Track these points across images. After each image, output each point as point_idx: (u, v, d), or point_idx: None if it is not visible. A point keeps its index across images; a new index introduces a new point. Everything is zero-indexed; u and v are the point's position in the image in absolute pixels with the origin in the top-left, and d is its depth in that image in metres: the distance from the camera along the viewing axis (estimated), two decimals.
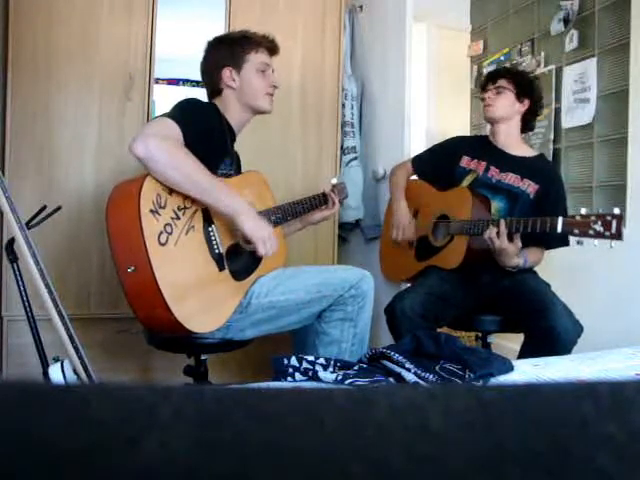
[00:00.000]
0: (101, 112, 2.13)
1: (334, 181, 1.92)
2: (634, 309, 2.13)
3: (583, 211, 1.51)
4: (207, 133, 1.51)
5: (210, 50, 1.68)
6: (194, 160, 1.38)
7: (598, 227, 1.46)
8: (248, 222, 1.44)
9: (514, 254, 1.71)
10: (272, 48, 1.70)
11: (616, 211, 1.45)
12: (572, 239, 1.68)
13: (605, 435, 0.20)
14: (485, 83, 1.98)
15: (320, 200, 1.86)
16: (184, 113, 1.47)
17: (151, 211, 1.34)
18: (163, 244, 1.34)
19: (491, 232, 1.69)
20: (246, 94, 1.64)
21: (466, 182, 1.97)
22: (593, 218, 1.47)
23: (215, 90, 1.67)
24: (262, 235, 1.46)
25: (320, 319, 1.61)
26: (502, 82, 1.91)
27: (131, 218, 1.31)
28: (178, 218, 1.40)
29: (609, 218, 1.45)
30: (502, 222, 1.68)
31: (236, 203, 1.44)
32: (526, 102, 1.92)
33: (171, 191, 1.40)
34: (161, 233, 1.34)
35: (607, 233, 1.45)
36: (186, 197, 1.43)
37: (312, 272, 1.64)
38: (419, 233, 2.07)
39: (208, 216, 1.50)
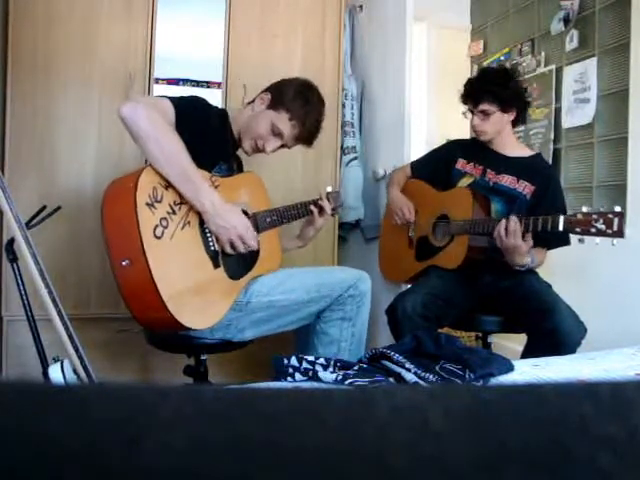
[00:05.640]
0: (101, 112, 2.13)
1: (329, 189, 1.86)
2: (634, 309, 2.13)
3: (585, 209, 1.50)
4: (202, 133, 1.50)
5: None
6: (178, 142, 1.35)
7: (600, 225, 1.45)
8: (214, 222, 1.41)
9: (525, 252, 1.68)
10: (304, 138, 1.67)
11: (617, 209, 1.44)
12: (573, 238, 1.67)
13: (605, 435, 0.20)
14: (465, 99, 1.91)
15: (308, 209, 1.78)
16: (186, 106, 1.47)
17: (147, 204, 1.32)
18: (159, 237, 1.32)
19: (500, 229, 1.66)
20: (246, 125, 1.65)
21: (461, 185, 1.97)
22: (595, 216, 1.47)
23: (251, 100, 1.70)
24: (228, 237, 1.44)
25: (319, 319, 1.62)
26: (484, 106, 1.85)
27: (127, 210, 1.30)
28: (174, 213, 1.38)
29: (611, 216, 1.44)
30: (513, 219, 1.63)
31: (205, 200, 1.38)
32: (513, 110, 1.88)
33: (167, 186, 1.38)
34: (157, 226, 1.32)
35: (609, 231, 1.44)
36: None
37: (312, 272, 1.65)
38: (419, 233, 2.06)
39: None
